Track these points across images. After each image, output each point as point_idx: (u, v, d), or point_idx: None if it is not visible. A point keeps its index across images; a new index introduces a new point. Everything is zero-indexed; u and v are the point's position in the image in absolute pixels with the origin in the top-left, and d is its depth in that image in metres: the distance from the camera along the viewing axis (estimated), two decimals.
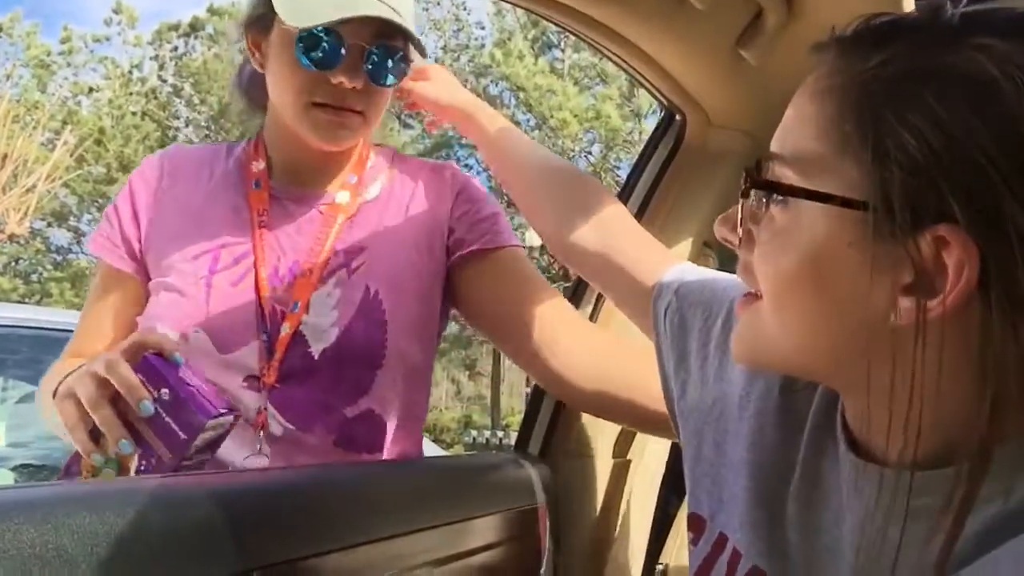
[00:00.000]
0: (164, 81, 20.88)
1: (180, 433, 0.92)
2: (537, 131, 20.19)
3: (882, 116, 0.56)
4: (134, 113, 20.12)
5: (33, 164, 11.08)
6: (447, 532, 1.04)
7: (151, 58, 20.95)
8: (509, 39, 19.87)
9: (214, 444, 0.98)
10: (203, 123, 20.71)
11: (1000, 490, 0.56)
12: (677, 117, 1.42)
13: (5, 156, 10.45)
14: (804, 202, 0.60)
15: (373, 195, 1.30)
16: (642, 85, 1.39)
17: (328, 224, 1.24)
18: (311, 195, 1.27)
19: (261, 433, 1.13)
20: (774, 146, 0.65)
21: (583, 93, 19.75)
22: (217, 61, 19.90)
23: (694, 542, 0.84)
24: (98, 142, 18.85)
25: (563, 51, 20.81)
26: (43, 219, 18.56)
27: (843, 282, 0.60)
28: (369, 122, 1.22)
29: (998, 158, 0.52)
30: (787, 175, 0.62)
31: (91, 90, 20.27)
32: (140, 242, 1.25)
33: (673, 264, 1.01)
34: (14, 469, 3.54)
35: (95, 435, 0.95)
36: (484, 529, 1.11)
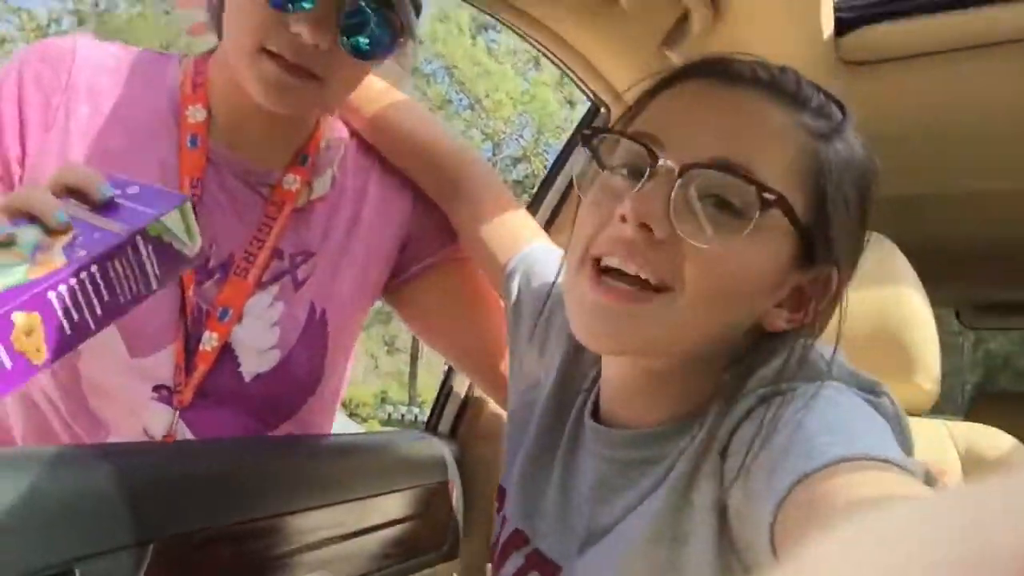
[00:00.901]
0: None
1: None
2: (470, 111, 20.15)
3: (828, 183, 0.74)
4: None
5: None
6: (356, 507, 1.04)
7: (70, 12, 20.10)
8: (448, 16, 19.73)
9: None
10: None
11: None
12: (603, 110, 1.45)
13: None
14: (770, 212, 0.71)
15: (322, 190, 1.12)
16: (570, 77, 1.41)
17: (271, 214, 1.06)
18: (253, 170, 1.07)
19: None
20: (734, 156, 0.72)
21: (518, 76, 19.78)
22: (141, 20, 19.24)
23: (498, 511, 0.97)
24: None
25: (499, 32, 20.78)
26: None
27: (767, 289, 0.75)
28: (328, 94, 0.99)
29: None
30: (744, 187, 0.71)
31: (3, 41, 19.35)
32: (20, 166, 0.99)
33: (531, 244, 1.10)
34: None
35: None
36: (394, 504, 1.13)
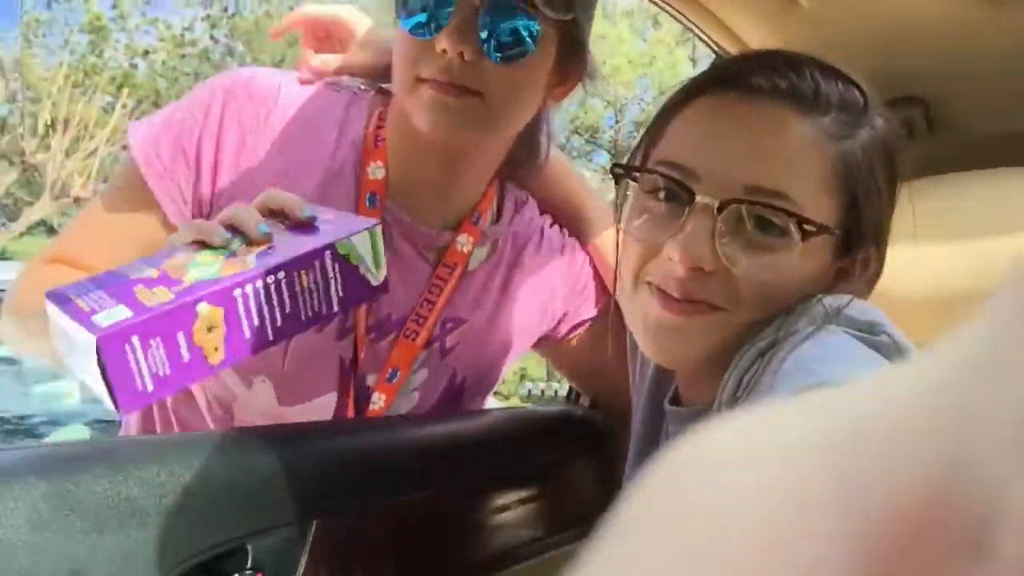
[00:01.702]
0: (216, 41, 21.02)
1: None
2: (588, 79, 19.88)
3: (859, 182, 0.79)
4: (187, 74, 20.34)
5: (94, 128, 11.31)
6: (509, 479, 1.06)
7: (202, 19, 21.08)
8: None
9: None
10: None
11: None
12: (764, 53, 1.39)
13: (66, 120, 10.68)
14: (798, 229, 0.76)
15: (481, 259, 1.11)
16: (694, 32, 1.37)
17: (443, 276, 1.06)
18: (423, 233, 1.06)
19: None
20: (766, 182, 0.76)
21: (636, 38, 19.38)
22: (268, 19, 19.97)
23: None
24: (155, 104, 19.14)
25: None
26: (105, 181, 18.99)
27: (813, 286, 0.79)
28: (491, 110, 0.95)
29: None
30: (784, 217, 0.75)
31: (146, 52, 20.51)
32: (210, 206, 1.00)
33: None
34: (88, 424, 3.69)
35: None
36: (550, 476, 1.13)
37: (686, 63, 18.40)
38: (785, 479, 0.16)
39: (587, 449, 1.23)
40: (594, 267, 1.21)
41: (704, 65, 1.57)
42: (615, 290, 0.97)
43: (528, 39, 0.94)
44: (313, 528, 0.79)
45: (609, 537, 0.18)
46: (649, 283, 0.80)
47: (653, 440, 0.99)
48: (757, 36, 1.29)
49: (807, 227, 0.76)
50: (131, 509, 0.66)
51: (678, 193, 0.79)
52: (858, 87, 0.82)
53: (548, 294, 1.17)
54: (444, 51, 0.91)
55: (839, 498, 0.15)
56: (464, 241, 1.08)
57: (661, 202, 0.81)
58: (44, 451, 0.70)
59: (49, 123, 10.72)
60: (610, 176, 0.88)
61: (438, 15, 0.92)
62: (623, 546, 0.18)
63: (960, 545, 0.14)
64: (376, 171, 1.03)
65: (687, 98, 0.84)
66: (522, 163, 1.12)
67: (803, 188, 0.76)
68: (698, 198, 0.76)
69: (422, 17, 0.92)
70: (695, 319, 0.78)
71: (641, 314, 0.82)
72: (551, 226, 1.20)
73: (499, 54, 0.93)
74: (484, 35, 0.92)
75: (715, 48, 1.37)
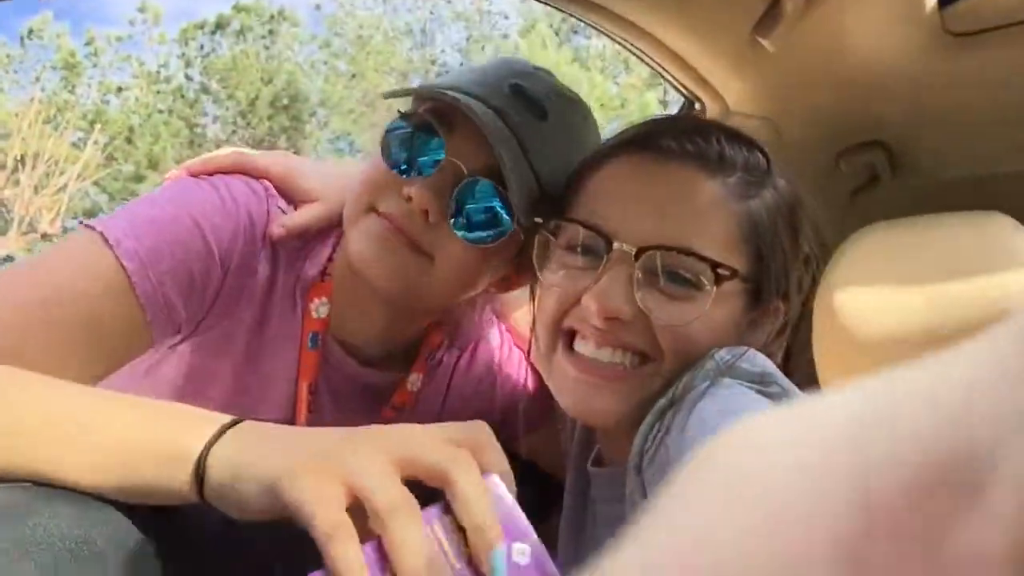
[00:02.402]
0: (191, 79, 21.06)
1: None
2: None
3: (762, 238, 0.84)
4: (161, 111, 20.33)
5: (64, 163, 11.25)
6: None
7: (178, 56, 21.13)
8: (533, 27, 19.85)
9: None
10: (230, 119, 20.88)
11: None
12: (696, 105, 1.42)
13: (36, 156, 10.62)
14: (719, 286, 0.80)
15: (418, 385, 1.09)
16: (661, 75, 1.39)
17: (388, 417, 1.04)
18: (368, 381, 1.04)
19: None
20: (676, 238, 0.80)
21: (608, 81, 19.68)
22: (244, 57, 20.05)
23: None
24: (128, 140, 19.08)
25: (588, 38, 20.76)
26: (75, 218, 18.82)
27: (728, 336, 0.82)
28: (436, 277, 0.91)
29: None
30: (698, 264, 0.80)
31: (119, 89, 20.49)
32: (187, 328, 0.94)
33: None
34: None
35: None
36: None
37: (656, 106, 18.69)
38: (815, 457, 0.20)
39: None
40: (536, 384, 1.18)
41: (674, 107, 1.60)
42: (529, 352, 0.99)
43: (497, 231, 0.91)
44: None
45: (663, 505, 0.22)
46: (568, 334, 0.84)
47: (579, 503, 1.00)
48: (723, 78, 1.31)
49: (720, 271, 0.80)
50: (90, 553, 0.65)
51: (595, 245, 0.83)
52: (761, 151, 0.88)
53: (487, 406, 1.16)
54: (409, 198, 0.87)
55: (860, 467, 0.18)
56: (415, 380, 1.07)
57: (578, 255, 0.85)
58: (7, 495, 0.68)
59: (19, 158, 10.63)
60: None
61: (421, 163, 0.89)
62: (678, 512, 0.21)
63: (961, 498, 0.17)
64: (320, 309, 0.99)
65: (602, 159, 0.88)
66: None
67: (711, 244, 0.81)
68: (615, 244, 0.80)
69: (405, 155, 0.90)
70: (620, 383, 0.81)
71: (559, 371, 0.85)
72: (501, 351, 1.18)
73: (465, 231, 0.90)
74: (456, 206, 0.89)
75: (682, 91, 1.40)
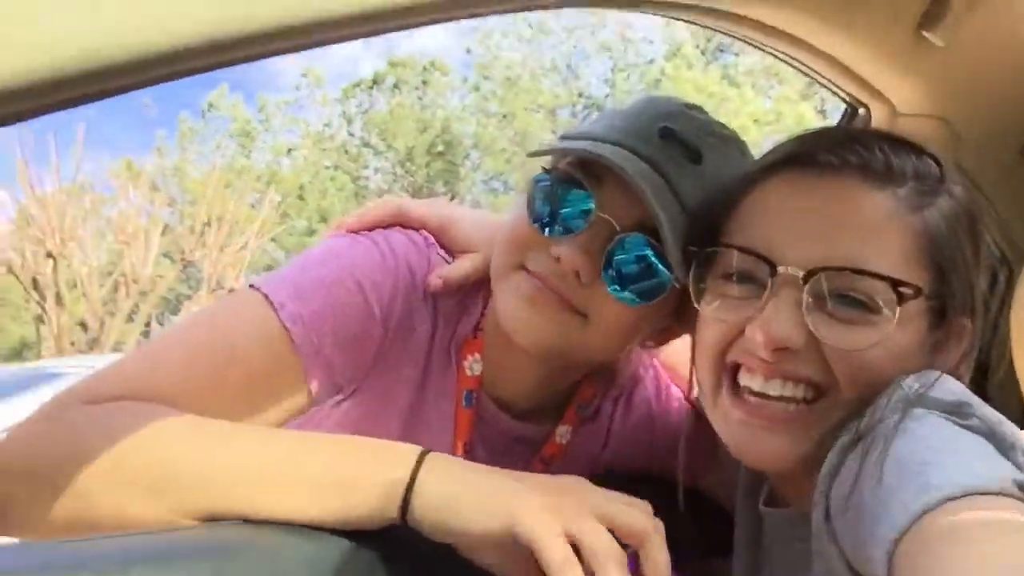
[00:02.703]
0: (352, 135, 22.20)
1: None
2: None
3: (943, 251, 0.77)
4: (327, 167, 21.52)
5: (244, 224, 12.10)
6: None
7: (340, 115, 22.34)
8: (679, 51, 19.69)
9: None
10: (390, 169, 21.83)
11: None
12: (861, 111, 1.35)
13: (220, 219, 11.48)
14: (900, 307, 0.73)
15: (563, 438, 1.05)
16: (820, 83, 1.34)
17: (537, 469, 1.01)
18: (522, 431, 1.01)
19: None
20: (847, 255, 0.74)
21: (760, 96, 19.20)
22: (401, 108, 20.97)
23: None
24: (300, 197, 20.31)
25: (736, 55, 20.35)
26: (256, 274, 20.18)
27: (913, 362, 0.75)
28: (592, 336, 0.88)
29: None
30: (875, 284, 0.73)
31: (289, 150, 21.88)
32: (349, 387, 0.94)
33: None
34: None
35: None
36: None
37: (814, 116, 18.04)
38: None
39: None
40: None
41: (833, 115, 1.52)
42: (690, 392, 0.95)
43: (654, 288, 0.87)
44: None
45: None
46: (732, 370, 0.78)
47: (752, 542, 0.95)
48: (888, 79, 1.25)
49: (902, 290, 0.72)
50: None
51: (756, 272, 0.77)
52: (931, 156, 0.79)
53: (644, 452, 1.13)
54: (558, 259, 0.84)
55: None
56: (564, 432, 1.04)
57: (734, 284, 0.79)
58: (208, 532, 0.72)
59: (205, 222, 11.55)
60: None
61: (568, 220, 0.85)
62: None
63: None
64: (474, 366, 0.97)
65: (756, 179, 0.82)
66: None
67: (887, 261, 0.74)
68: (780, 269, 0.74)
69: (549, 210, 0.86)
70: (788, 424, 0.76)
71: (721, 413, 0.80)
72: (659, 399, 1.14)
73: (620, 291, 0.86)
74: (609, 264, 0.85)
75: (844, 97, 1.34)
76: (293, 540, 0.70)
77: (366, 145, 22.16)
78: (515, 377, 0.99)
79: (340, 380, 0.91)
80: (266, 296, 0.86)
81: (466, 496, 0.70)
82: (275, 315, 0.85)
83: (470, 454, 0.99)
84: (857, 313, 0.73)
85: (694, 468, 1.10)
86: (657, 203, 0.81)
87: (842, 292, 0.73)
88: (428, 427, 0.98)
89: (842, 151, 0.77)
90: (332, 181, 21.07)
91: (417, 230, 0.98)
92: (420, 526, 0.70)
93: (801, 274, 0.73)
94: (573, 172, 0.86)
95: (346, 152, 22.05)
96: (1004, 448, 0.64)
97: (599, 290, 0.86)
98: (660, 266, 0.86)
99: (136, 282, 10.85)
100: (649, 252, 0.85)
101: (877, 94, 1.28)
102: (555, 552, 0.64)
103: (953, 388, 0.70)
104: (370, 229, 0.96)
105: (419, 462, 0.71)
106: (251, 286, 0.90)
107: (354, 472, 0.72)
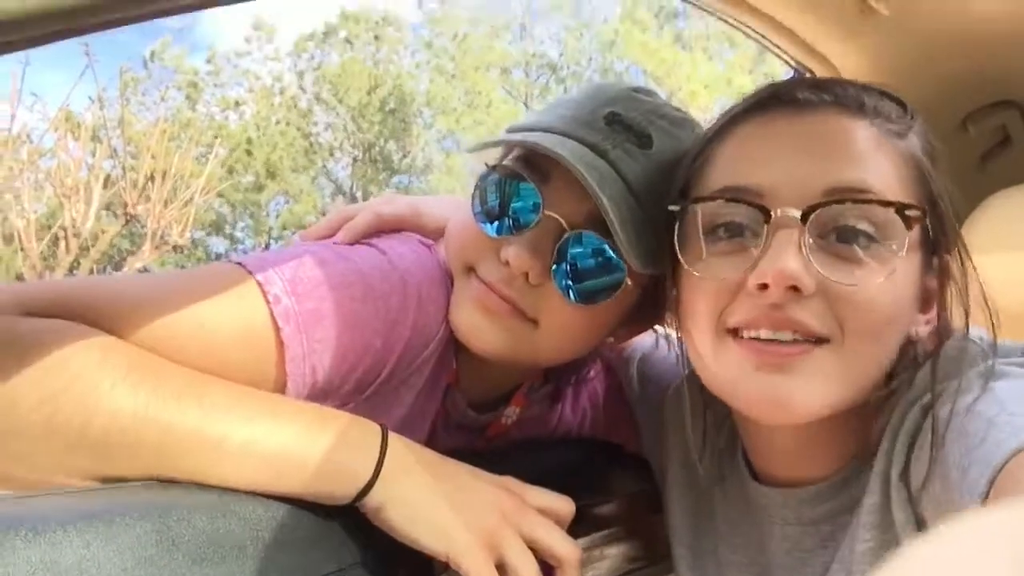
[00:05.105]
0: (304, 90, 21.73)
1: None
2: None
3: (932, 179, 0.74)
4: (277, 122, 21.07)
5: (189, 178, 11.82)
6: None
7: (290, 69, 21.83)
8: (632, 13, 19.61)
9: None
10: (341, 126, 21.46)
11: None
12: (807, 76, 1.37)
13: (164, 173, 11.20)
14: (908, 235, 0.68)
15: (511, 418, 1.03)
16: (769, 48, 1.35)
17: (478, 447, 1.02)
18: (474, 421, 1.00)
19: None
20: (846, 178, 0.69)
21: (711, 61, 19.24)
22: (353, 63, 20.56)
23: None
24: (247, 152, 19.87)
25: (688, 19, 20.35)
26: (201, 229, 19.74)
27: (914, 304, 0.73)
28: (542, 341, 0.85)
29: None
30: (880, 210, 0.68)
31: (237, 104, 21.35)
32: (332, 385, 0.82)
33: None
34: None
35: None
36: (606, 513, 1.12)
37: (765, 81, 18.11)
38: None
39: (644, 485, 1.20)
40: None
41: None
42: (682, 364, 0.88)
43: (607, 286, 0.83)
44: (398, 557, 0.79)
45: None
46: (734, 331, 0.71)
47: (705, 516, 0.94)
48: (834, 46, 1.27)
49: (909, 213, 0.67)
50: (230, 543, 0.68)
51: (746, 220, 0.71)
52: (895, 99, 0.77)
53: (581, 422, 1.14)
54: (507, 263, 0.81)
55: None
56: (511, 413, 1.01)
57: (723, 240, 0.73)
58: (147, 491, 0.72)
59: (148, 176, 11.26)
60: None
61: (516, 219, 0.82)
62: None
63: None
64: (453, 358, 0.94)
65: (729, 127, 0.77)
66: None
67: (885, 184, 0.69)
68: (777, 211, 0.68)
69: (496, 210, 0.82)
70: (801, 359, 0.68)
71: (732, 367, 0.71)
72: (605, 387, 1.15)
73: (571, 291, 0.82)
74: (560, 264, 0.82)
75: (791, 64, 1.35)
76: (240, 500, 0.71)
77: (318, 99, 21.74)
78: (480, 378, 0.97)
79: (322, 387, 0.81)
80: (259, 284, 0.76)
81: (421, 510, 0.73)
82: (266, 307, 0.76)
83: (432, 435, 0.97)
84: (862, 248, 0.68)
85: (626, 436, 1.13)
86: (603, 192, 0.77)
87: (845, 224, 0.68)
88: (411, 419, 0.94)
89: (817, 91, 0.74)
90: (281, 136, 20.66)
91: (400, 231, 0.94)
92: (369, 515, 0.74)
93: (798, 214, 0.67)
94: (517, 167, 0.82)
95: (295, 107, 21.60)
96: None
97: (549, 294, 0.83)
98: (612, 261, 0.82)
99: (77, 236, 10.56)
100: (601, 248, 0.82)
101: (823, 59, 1.30)
102: None
103: (1006, 340, 0.70)
104: (360, 239, 0.89)
105: (382, 453, 0.73)
106: (246, 269, 0.78)
107: (316, 455, 0.71)
